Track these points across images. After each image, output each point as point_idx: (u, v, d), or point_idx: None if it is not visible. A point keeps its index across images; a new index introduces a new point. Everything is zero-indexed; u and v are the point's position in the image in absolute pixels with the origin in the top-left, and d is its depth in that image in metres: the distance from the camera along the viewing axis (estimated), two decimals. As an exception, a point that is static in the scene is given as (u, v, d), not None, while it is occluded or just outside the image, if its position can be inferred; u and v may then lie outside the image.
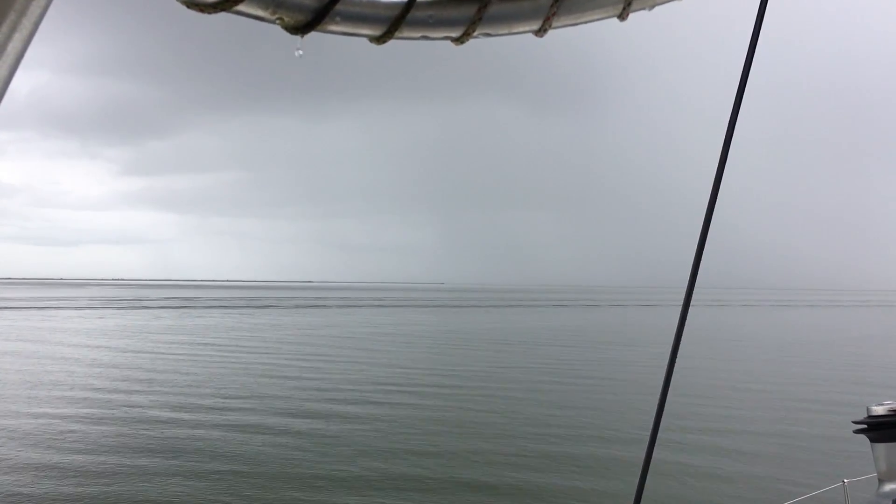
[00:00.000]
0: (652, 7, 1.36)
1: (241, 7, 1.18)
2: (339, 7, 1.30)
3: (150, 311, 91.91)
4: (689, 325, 2.33)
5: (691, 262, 2.34)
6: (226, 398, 24.39)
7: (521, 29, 1.43)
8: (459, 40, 1.42)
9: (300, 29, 1.29)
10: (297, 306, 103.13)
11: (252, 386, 27.19)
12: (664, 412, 2.44)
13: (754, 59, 2.14)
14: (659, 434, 2.49)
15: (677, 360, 2.39)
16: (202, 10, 1.18)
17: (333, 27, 1.31)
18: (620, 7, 1.34)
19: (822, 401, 21.63)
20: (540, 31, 1.42)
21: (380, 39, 1.36)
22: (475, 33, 1.41)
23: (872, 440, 2.20)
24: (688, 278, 2.30)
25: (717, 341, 43.19)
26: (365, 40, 1.38)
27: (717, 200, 2.24)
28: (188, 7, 1.16)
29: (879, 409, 2.17)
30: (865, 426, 2.21)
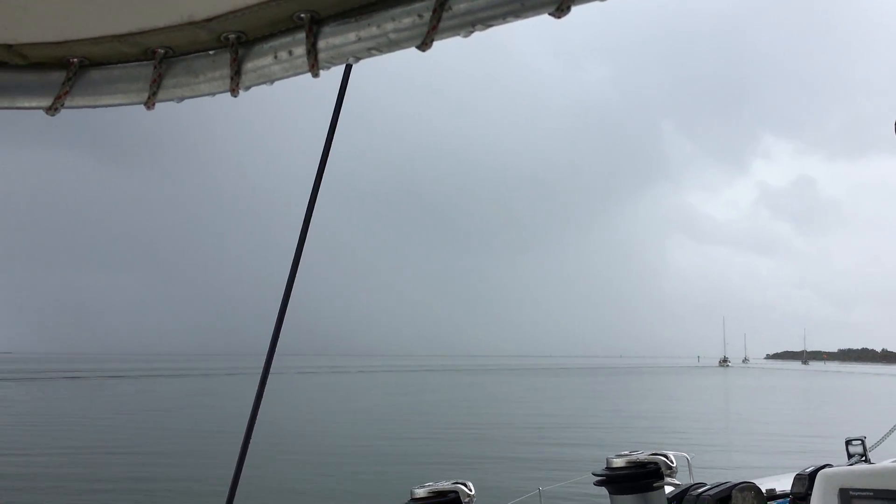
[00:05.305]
0: (181, 100, 1.32)
1: None
2: None
3: None
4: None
5: (272, 329, 2.36)
6: None
7: (27, 104, 1.31)
8: None
9: None
10: None
11: None
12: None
13: (334, 146, 2.28)
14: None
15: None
16: None
17: None
18: (146, 95, 1.30)
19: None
20: (51, 109, 1.31)
21: None
22: None
23: (611, 492, 2.26)
24: (269, 344, 2.32)
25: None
26: None
27: (299, 272, 2.31)
28: None
29: (618, 462, 2.24)
30: (604, 478, 2.26)
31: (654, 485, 2.26)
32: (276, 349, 2.35)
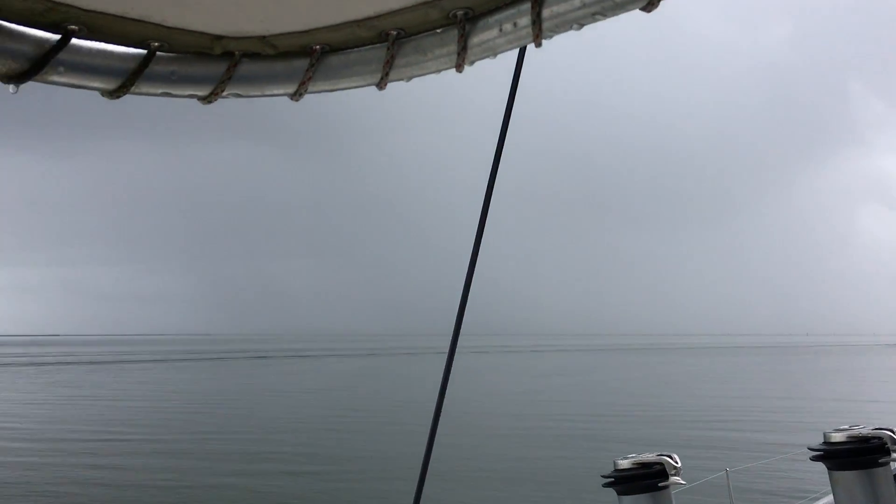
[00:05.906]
0: (409, 79, 1.37)
1: None
2: (62, 56, 1.18)
3: None
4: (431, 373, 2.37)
5: (456, 310, 2.43)
6: None
7: (275, 91, 1.39)
8: (207, 99, 1.36)
9: (14, 78, 1.16)
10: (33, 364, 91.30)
11: None
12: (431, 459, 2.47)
13: (509, 129, 2.29)
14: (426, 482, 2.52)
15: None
16: None
17: (56, 77, 1.19)
18: (378, 77, 1.35)
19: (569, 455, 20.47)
20: (295, 95, 1.38)
21: (113, 94, 1.26)
22: (224, 93, 1.36)
23: (830, 468, 2.21)
24: (453, 325, 2.39)
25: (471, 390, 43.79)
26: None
27: (480, 253, 2.36)
28: None
29: (838, 436, 2.19)
30: (822, 453, 2.22)
31: (880, 461, 2.15)
32: (461, 331, 2.42)
